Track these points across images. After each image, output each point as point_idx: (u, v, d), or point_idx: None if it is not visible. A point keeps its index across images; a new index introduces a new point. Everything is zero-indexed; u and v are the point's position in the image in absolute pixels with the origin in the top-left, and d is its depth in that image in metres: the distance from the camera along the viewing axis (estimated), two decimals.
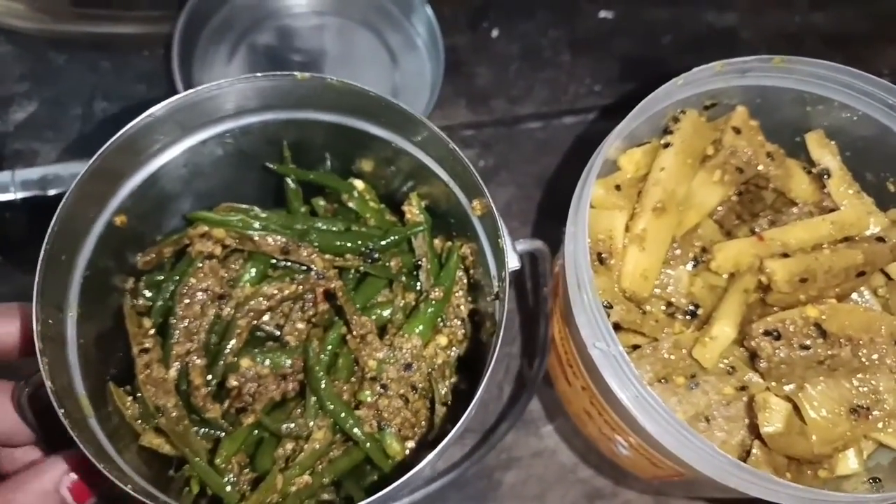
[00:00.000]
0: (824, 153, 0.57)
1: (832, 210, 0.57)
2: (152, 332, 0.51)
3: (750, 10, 0.91)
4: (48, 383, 0.41)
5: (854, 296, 0.56)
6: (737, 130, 0.56)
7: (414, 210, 0.54)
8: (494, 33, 0.89)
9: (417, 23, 0.82)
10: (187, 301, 0.51)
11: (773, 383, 0.52)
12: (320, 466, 0.49)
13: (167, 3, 0.82)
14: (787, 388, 0.51)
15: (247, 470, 0.49)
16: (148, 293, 0.53)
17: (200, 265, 0.51)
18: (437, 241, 0.57)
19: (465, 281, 0.55)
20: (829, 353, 0.51)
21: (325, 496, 0.49)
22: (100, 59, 0.85)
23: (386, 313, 0.53)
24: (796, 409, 0.51)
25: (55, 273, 0.44)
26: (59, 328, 0.45)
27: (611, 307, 0.51)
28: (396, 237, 0.54)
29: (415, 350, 0.50)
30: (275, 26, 0.83)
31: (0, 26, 0.83)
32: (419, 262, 0.55)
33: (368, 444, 0.48)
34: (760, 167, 0.56)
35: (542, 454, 0.72)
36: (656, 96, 0.53)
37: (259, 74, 0.48)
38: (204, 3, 0.79)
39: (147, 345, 0.49)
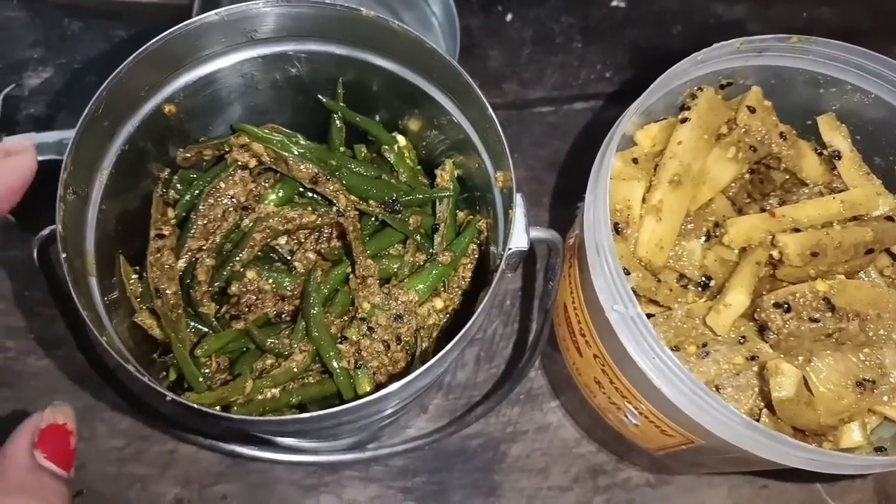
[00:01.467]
0: (835, 135, 0.59)
1: (842, 191, 0.58)
2: (173, 222, 0.53)
3: (758, 2, 0.93)
4: (59, 227, 0.42)
5: (861, 275, 0.57)
6: (751, 109, 0.57)
7: (445, 176, 0.56)
8: (508, 17, 0.90)
9: (433, 2, 0.83)
10: (211, 202, 0.53)
11: (782, 356, 0.53)
12: (292, 387, 0.50)
13: None
14: (796, 361, 0.53)
15: (225, 375, 0.51)
16: (179, 186, 0.55)
17: (233, 173, 0.53)
18: (460, 214, 0.58)
19: (476, 256, 0.56)
20: (838, 326, 0.52)
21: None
22: (114, 28, 0.85)
23: (394, 266, 0.54)
24: (804, 381, 0.52)
25: (94, 133, 0.46)
26: (87, 185, 0.47)
27: (628, 273, 0.52)
28: (421, 196, 0.55)
29: (409, 304, 0.52)
30: None
31: None
32: (437, 226, 0.56)
33: (342, 378, 0.50)
34: (773, 146, 0.57)
35: (546, 429, 0.73)
36: (675, 71, 0.54)
37: (326, 2, 0.49)
38: None
39: (165, 231, 0.51)
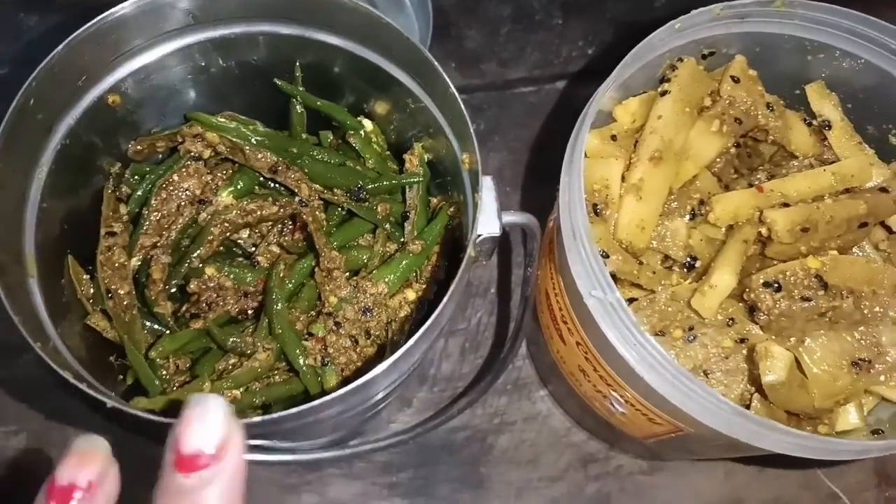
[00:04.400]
0: (825, 104, 0.56)
1: (833, 163, 0.55)
2: (125, 218, 0.51)
3: None
4: None
5: (855, 250, 0.55)
6: (735, 79, 0.54)
7: (414, 160, 0.53)
8: None
9: None
10: (164, 195, 0.51)
11: (773, 337, 0.50)
12: (256, 387, 0.48)
13: None
14: (788, 342, 0.50)
15: (185, 377, 0.49)
16: (133, 181, 0.53)
17: (187, 164, 0.51)
18: (433, 200, 0.56)
19: (451, 243, 0.54)
20: (831, 305, 0.50)
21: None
22: (73, 23, 0.82)
23: (364, 257, 0.51)
24: (797, 362, 0.50)
25: (26, 127, 0.44)
26: (21, 182, 0.44)
27: (607, 256, 0.49)
28: (388, 182, 0.53)
29: (379, 297, 0.50)
30: None
31: None
32: (408, 213, 0.53)
33: (308, 376, 0.48)
34: (760, 118, 0.54)
35: (535, 418, 0.70)
36: (652, 41, 0.51)
37: None
38: None
39: (116, 229, 0.49)
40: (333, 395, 0.39)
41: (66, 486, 0.29)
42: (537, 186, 0.79)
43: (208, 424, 0.28)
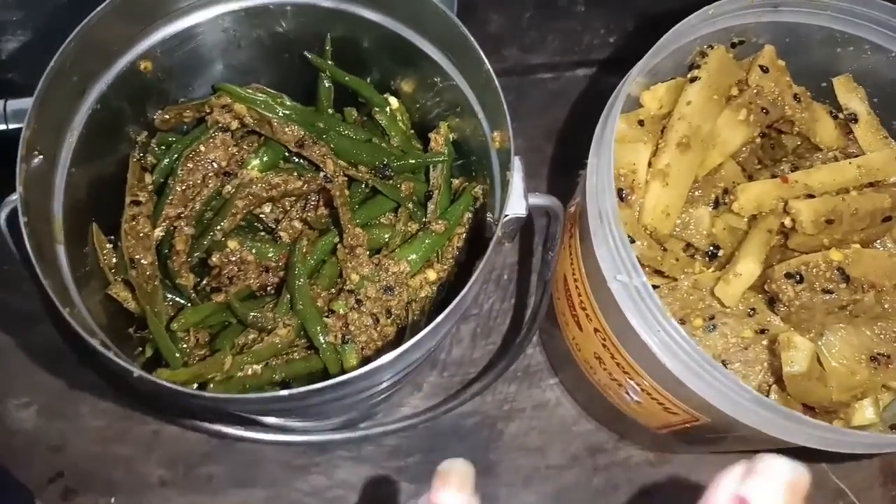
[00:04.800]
0: (852, 97, 0.56)
1: (858, 157, 0.55)
2: (150, 188, 0.50)
3: None
4: (20, 190, 0.40)
5: (877, 244, 0.54)
6: (764, 69, 0.54)
7: (440, 140, 0.53)
8: None
9: None
10: (191, 166, 0.50)
11: (793, 329, 0.50)
12: (275, 363, 0.48)
13: None
14: (808, 335, 0.50)
15: (206, 350, 0.48)
16: (158, 150, 0.52)
17: (214, 135, 0.50)
18: (455, 181, 0.55)
19: (472, 225, 0.54)
20: (852, 298, 0.50)
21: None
22: None
23: (385, 236, 0.51)
24: (816, 355, 0.50)
25: (62, 90, 0.43)
26: (54, 147, 0.44)
27: (633, 241, 0.49)
28: (414, 161, 0.52)
29: (400, 276, 0.49)
30: None
31: None
32: (431, 193, 0.53)
33: (328, 353, 0.48)
34: (787, 109, 0.54)
35: (545, 406, 0.70)
36: (683, 27, 0.51)
37: None
38: None
39: (141, 198, 0.49)
40: (356, 372, 0.38)
41: None
42: (556, 174, 0.79)
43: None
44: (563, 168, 0.79)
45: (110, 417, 0.66)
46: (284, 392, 0.37)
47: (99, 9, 0.42)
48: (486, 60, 0.45)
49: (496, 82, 0.45)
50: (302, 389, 0.37)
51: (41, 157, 0.43)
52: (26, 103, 0.71)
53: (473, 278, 0.41)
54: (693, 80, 0.52)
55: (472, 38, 0.45)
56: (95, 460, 0.65)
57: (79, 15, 0.81)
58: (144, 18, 0.47)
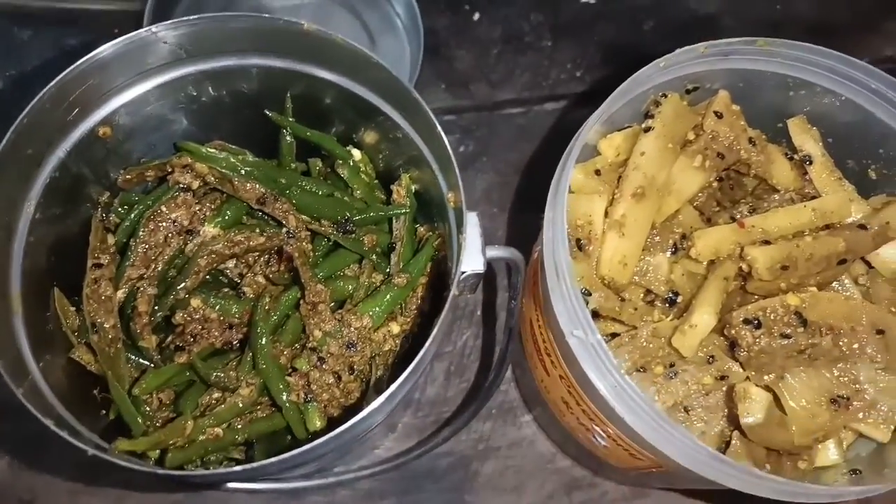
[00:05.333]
0: (806, 139, 0.56)
1: (814, 197, 0.56)
2: (112, 249, 0.51)
3: None
4: None
5: (835, 284, 0.55)
6: (718, 115, 0.55)
7: (402, 191, 0.54)
8: (476, 16, 0.87)
9: (396, 3, 0.80)
10: (152, 227, 0.51)
11: (753, 373, 0.51)
12: (239, 424, 0.48)
13: None
14: (767, 377, 0.50)
15: (169, 412, 0.49)
16: (121, 210, 0.53)
17: (175, 195, 0.51)
18: (421, 229, 0.56)
19: (436, 273, 0.54)
20: (810, 342, 0.50)
21: (235, 454, 0.49)
22: (66, 37, 0.82)
23: (350, 288, 0.52)
24: (776, 399, 0.50)
25: (16, 163, 0.44)
26: (10, 217, 0.45)
27: (589, 294, 0.50)
28: (374, 214, 0.53)
29: (363, 330, 0.50)
30: (250, 6, 0.80)
31: None
32: (394, 244, 0.53)
33: (291, 413, 0.48)
34: (742, 153, 0.55)
35: (520, 444, 0.71)
36: (638, 78, 0.51)
37: (265, 15, 0.47)
38: None
39: (102, 261, 0.49)
40: (318, 441, 0.39)
41: None
42: (524, 209, 0.79)
43: None
44: (533, 203, 0.78)
45: (78, 467, 0.65)
46: (238, 468, 0.37)
47: (49, 86, 0.43)
48: (437, 124, 0.46)
49: (447, 144, 0.46)
50: (259, 464, 0.37)
51: None
52: None
53: (429, 342, 0.42)
54: (647, 129, 0.53)
55: (422, 102, 0.46)
56: None
57: (48, 61, 0.81)
58: (99, 89, 0.47)
